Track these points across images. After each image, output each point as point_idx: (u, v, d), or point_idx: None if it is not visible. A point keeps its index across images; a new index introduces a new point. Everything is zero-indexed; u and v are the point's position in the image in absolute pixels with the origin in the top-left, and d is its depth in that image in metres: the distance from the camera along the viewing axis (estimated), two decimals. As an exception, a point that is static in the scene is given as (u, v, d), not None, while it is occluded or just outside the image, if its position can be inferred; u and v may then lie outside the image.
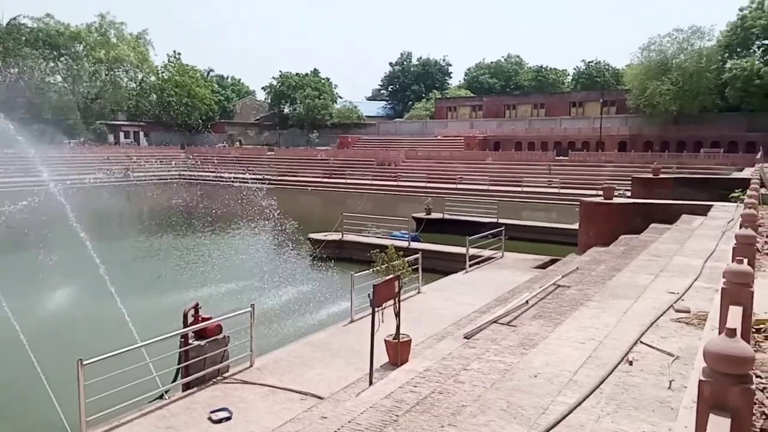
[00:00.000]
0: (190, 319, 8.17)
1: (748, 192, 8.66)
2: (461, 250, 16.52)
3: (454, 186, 43.75)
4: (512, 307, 9.27)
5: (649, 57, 56.14)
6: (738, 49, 54.79)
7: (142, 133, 77.15)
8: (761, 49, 55.11)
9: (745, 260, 3.34)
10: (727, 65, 52.16)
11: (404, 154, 56.37)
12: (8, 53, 63.44)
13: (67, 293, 15.42)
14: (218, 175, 55.17)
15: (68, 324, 13.00)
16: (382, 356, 8.41)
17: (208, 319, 8.27)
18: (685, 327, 5.39)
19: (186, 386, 7.94)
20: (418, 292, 13.32)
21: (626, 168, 40.95)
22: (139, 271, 19.72)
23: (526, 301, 9.39)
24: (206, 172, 58.10)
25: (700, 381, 1.63)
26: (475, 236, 17.08)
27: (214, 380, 8.10)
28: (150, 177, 56.29)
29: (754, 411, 3.45)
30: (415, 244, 19.06)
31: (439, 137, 66.62)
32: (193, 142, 76.99)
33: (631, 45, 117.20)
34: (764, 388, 3.83)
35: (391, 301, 8.32)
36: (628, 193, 21.23)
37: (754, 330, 4.98)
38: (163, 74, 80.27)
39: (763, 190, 16.02)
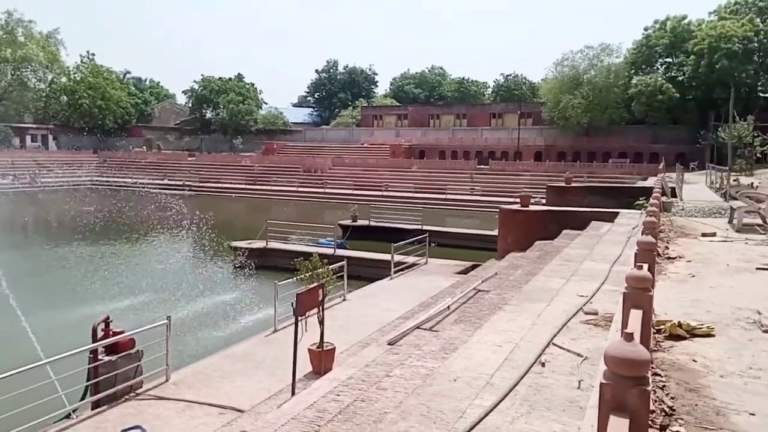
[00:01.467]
0: (100, 334, 7.72)
1: (650, 201, 9.28)
2: (386, 256, 16.65)
3: (380, 193, 44.08)
4: (435, 312, 9.42)
5: (562, 72, 59.21)
6: (643, 66, 58.90)
7: (51, 137, 72.54)
8: (664, 67, 59.56)
9: (645, 266, 3.56)
10: (633, 81, 55.88)
11: (331, 161, 56.24)
12: None
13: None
14: (135, 181, 52.79)
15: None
16: (306, 365, 8.30)
17: (120, 333, 7.85)
18: (593, 328, 5.68)
19: (96, 404, 7.50)
20: (344, 300, 13.28)
21: (542, 177, 42.81)
22: (45, 283, 18.45)
23: (448, 307, 9.58)
24: (121, 178, 55.43)
25: (601, 384, 1.71)
26: (400, 243, 17.26)
27: (127, 397, 7.70)
28: (60, 183, 53.00)
29: (654, 408, 3.68)
30: (340, 252, 19.00)
31: (365, 145, 67.02)
32: (108, 146, 73.23)
33: (547, 60, 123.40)
34: (664, 385, 4.10)
35: (315, 310, 8.24)
36: (544, 201, 22.20)
37: (654, 330, 5.33)
38: (76, 75, 75.93)
39: (664, 198, 17.25)
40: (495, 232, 19.17)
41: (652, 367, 4.49)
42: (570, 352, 5.01)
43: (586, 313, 6.28)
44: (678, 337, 5.38)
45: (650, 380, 3.76)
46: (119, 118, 77.46)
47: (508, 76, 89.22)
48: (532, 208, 17.54)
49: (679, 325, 5.50)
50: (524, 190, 28.95)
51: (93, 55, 79.38)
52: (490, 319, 6.58)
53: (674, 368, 4.58)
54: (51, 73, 73.50)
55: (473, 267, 16.70)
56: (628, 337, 1.77)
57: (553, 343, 5.33)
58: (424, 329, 8.63)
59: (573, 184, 22.81)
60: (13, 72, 69.20)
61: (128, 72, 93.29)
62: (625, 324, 2.76)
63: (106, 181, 55.32)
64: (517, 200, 18.40)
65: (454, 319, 8.07)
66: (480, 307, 7.70)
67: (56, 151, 69.14)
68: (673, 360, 4.79)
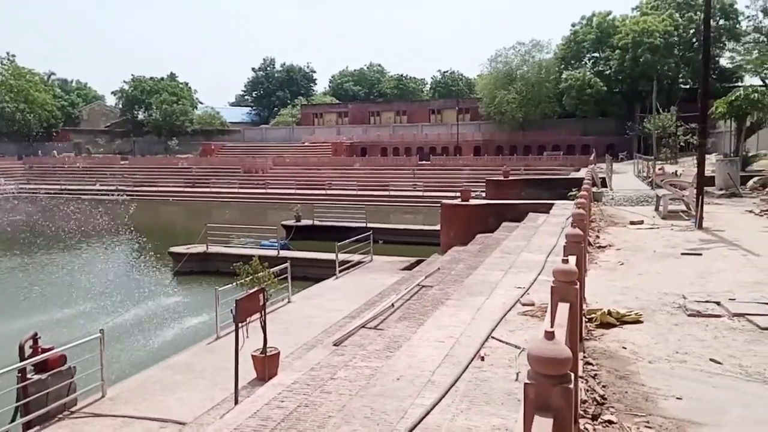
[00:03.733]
0: (28, 351, 7.32)
1: (580, 192, 9.64)
2: (331, 256, 16.59)
3: (323, 192, 43.83)
4: (379, 310, 9.45)
5: (496, 68, 60.67)
6: (572, 61, 61.16)
7: (-31, 144, 68.07)
8: (591, 61, 62.02)
9: (573, 259, 3.69)
10: (563, 76, 57.92)
11: (272, 161, 55.42)
12: None
13: None
14: (64, 187, 50.33)
15: None
16: (251, 372, 8.16)
17: (49, 349, 7.46)
18: (530, 320, 5.86)
19: (27, 425, 7.11)
20: (288, 302, 13.13)
21: (481, 171, 43.74)
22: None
23: (392, 304, 9.64)
24: (49, 184, 52.70)
25: (525, 384, 1.75)
26: (345, 241, 17.24)
27: (60, 416, 7.33)
28: (-19, 192, 49.83)
29: (587, 398, 3.84)
30: (284, 253, 18.78)
31: (306, 144, 66.44)
32: (33, 152, 69.39)
33: (481, 56, 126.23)
34: (595, 374, 4.27)
35: (257, 315, 8.11)
36: (484, 195, 22.69)
37: (586, 319, 5.55)
38: (-6, 78, 71.52)
39: (594, 189, 17.97)
40: (438, 227, 19.44)
41: (584, 357, 4.68)
42: (508, 345, 5.14)
43: (524, 305, 6.47)
44: (609, 325, 5.63)
45: (579, 372, 3.91)
46: (45, 121, 73.56)
47: (445, 72, 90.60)
48: (472, 202, 17.89)
49: (609, 313, 5.76)
50: (465, 184, 29.54)
51: (13, 56, 75.16)
52: (432, 314, 6.66)
53: (605, 356, 4.79)
54: (-33, 77, 69.05)
55: (417, 262, 16.86)
56: (549, 335, 1.81)
57: (492, 337, 5.45)
58: (369, 328, 8.64)
59: (511, 178, 23.42)
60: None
61: (53, 73, 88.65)
62: (553, 318, 2.84)
63: (34, 189, 52.44)
64: (458, 195, 18.71)
65: (398, 317, 8.12)
66: (423, 303, 7.79)
67: (-23, 158, 64.99)
68: (604, 348, 5.00)
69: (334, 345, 8.20)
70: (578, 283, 3.30)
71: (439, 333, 5.79)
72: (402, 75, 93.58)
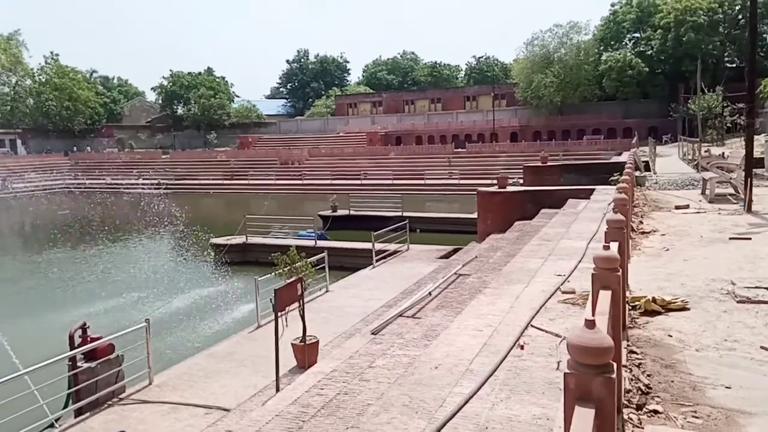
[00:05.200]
0: (78, 340, 7.60)
1: (622, 177, 9.39)
2: (367, 245, 16.63)
3: (358, 182, 43.97)
4: (417, 299, 9.45)
5: (533, 51, 59.47)
6: (612, 42, 59.44)
7: (19, 141, 70.85)
8: (632, 42, 60.13)
9: (615, 245, 3.59)
10: (603, 57, 56.39)
11: (307, 152, 55.87)
12: None
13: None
14: (108, 182, 51.93)
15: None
16: (291, 360, 8.28)
17: (98, 338, 7.73)
18: (570, 308, 5.75)
19: (78, 412, 7.39)
20: (326, 291, 13.25)
21: (518, 157, 43.08)
22: (20, 291, 18.10)
23: (429, 293, 9.62)
24: (95, 179, 54.51)
25: (565, 374, 1.71)
26: (381, 231, 17.26)
27: (110, 403, 7.60)
28: (32, 188, 51.90)
29: (631, 387, 3.74)
30: (321, 243, 18.93)
31: (341, 134, 66.72)
32: (79, 148, 71.80)
33: (517, 40, 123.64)
34: (640, 363, 4.16)
35: (296, 304, 8.21)
36: (521, 181, 22.36)
37: (630, 307, 5.41)
38: (40, 77, 74.11)
39: (637, 173, 17.49)
40: (474, 215, 19.26)
41: (628, 345, 4.56)
42: (548, 333, 5.06)
43: (564, 293, 6.35)
44: (653, 313, 5.47)
45: (622, 361, 3.82)
46: (88, 118, 75.98)
47: (479, 58, 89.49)
48: (509, 189, 17.64)
49: (654, 300, 5.60)
50: (501, 171, 29.14)
51: (57, 55, 77.67)
52: (470, 303, 6.61)
53: (650, 345, 4.66)
54: (15, 76, 71.80)
55: (454, 251, 16.77)
56: (590, 324, 1.77)
57: (532, 325, 5.38)
58: (407, 317, 8.65)
59: (549, 163, 22.97)
60: (-26, 76, 67.45)
61: (95, 71, 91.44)
62: (594, 306, 2.77)
63: (80, 184, 54.34)
64: (495, 182, 18.48)
65: (435, 305, 8.10)
66: (461, 291, 7.74)
67: (26, 155, 67.64)
68: (648, 336, 4.87)
69: (372, 333, 8.25)
70: (620, 269, 3.21)
71: (478, 321, 5.74)
72: (436, 62, 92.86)
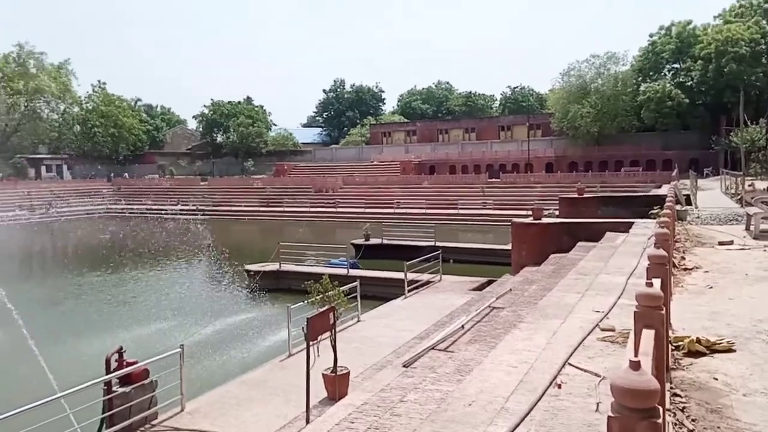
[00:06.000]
0: (114, 365, 7.71)
1: (663, 211, 9.15)
2: (400, 275, 16.56)
3: (392, 211, 44.06)
4: (449, 331, 9.30)
5: (569, 82, 59.20)
6: (650, 73, 58.75)
7: (65, 167, 73.70)
8: (671, 73, 59.33)
9: (657, 282, 3.48)
10: (641, 88, 55.70)
11: (341, 180, 56.42)
12: None
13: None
14: (149, 207, 53.30)
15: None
16: (322, 391, 8.23)
17: (133, 363, 7.83)
18: (610, 346, 5.56)
19: (111, 437, 7.45)
20: (358, 321, 13.20)
21: (554, 188, 42.59)
22: (59, 313, 18.59)
23: (462, 326, 9.45)
24: (136, 204, 56.02)
25: (609, 417, 1.65)
26: (414, 260, 17.17)
27: (142, 429, 7.66)
28: (75, 212, 53.69)
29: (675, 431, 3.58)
30: (354, 271, 18.95)
31: (375, 162, 67.24)
32: (121, 173, 74.18)
33: (553, 70, 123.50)
34: (684, 407, 3.98)
35: (328, 333, 8.18)
36: (556, 213, 22.03)
37: (673, 347, 5.21)
38: (88, 105, 77.32)
39: (678, 207, 17.06)
40: (509, 247, 19.01)
41: (672, 388, 4.37)
42: (587, 372, 4.90)
43: (603, 330, 6.15)
44: (697, 354, 5.26)
45: (666, 405, 3.65)
46: (132, 145, 78.61)
47: (515, 88, 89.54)
48: (544, 220, 17.38)
49: (698, 341, 5.38)
50: (536, 202, 28.82)
51: (104, 84, 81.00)
52: (504, 338, 6.47)
53: (694, 387, 4.46)
54: (63, 104, 74.99)
55: (488, 283, 16.54)
56: (635, 365, 1.71)
57: (569, 363, 5.21)
58: (439, 350, 8.51)
59: (586, 195, 22.60)
60: (26, 103, 70.74)
61: (139, 99, 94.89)
62: (637, 346, 2.68)
63: (121, 209, 55.93)
64: (530, 213, 18.26)
65: (468, 339, 7.96)
66: (495, 325, 7.60)
67: (71, 180, 70.15)
68: (693, 379, 4.67)
69: (404, 366, 8.13)
70: (664, 308, 3.11)
71: (513, 357, 5.60)
72: (470, 92, 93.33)
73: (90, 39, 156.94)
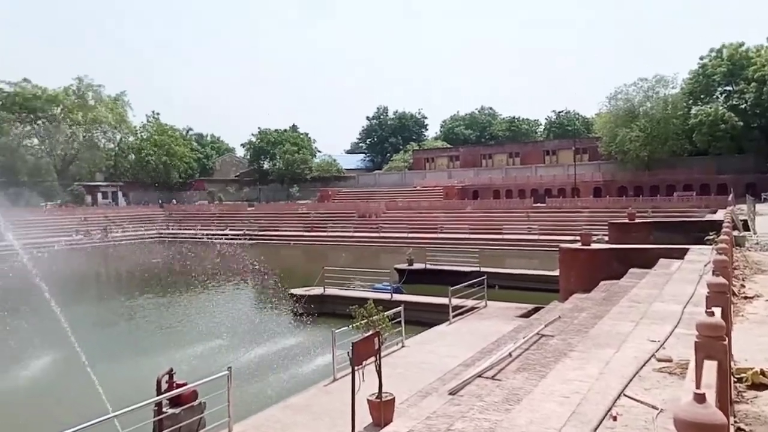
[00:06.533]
0: (164, 386, 7.87)
1: (720, 237, 8.79)
2: (444, 300, 16.39)
3: (435, 236, 43.88)
4: (496, 359, 9.12)
5: (616, 105, 58.14)
6: (702, 96, 57.10)
7: (120, 193, 76.73)
8: (723, 95, 57.51)
9: (718, 310, 3.34)
10: (693, 111, 54.14)
11: (384, 205, 56.69)
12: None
13: (36, 362, 14.84)
14: (198, 232, 54.71)
15: (36, 394, 12.46)
16: (366, 417, 8.16)
17: (182, 384, 7.98)
18: (667, 377, 5.33)
19: (161, 458, 7.57)
20: (402, 346, 13.10)
21: (602, 213, 41.56)
22: (112, 335, 19.19)
23: (510, 353, 9.26)
24: (186, 229, 57.65)
25: (674, 452, 1.57)
26: (458, 286, 16.98)
27: (190, 450, 7.75)
28: (129, 237, 55.65)
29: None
30: (397, 296, 18.89)
31: (418, 188, 67.36)
32: (173, 200, 76.69)
33: (599, 94, 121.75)
34: (749, 441, 3.76)
35: (372, 358, 8.14)
36: (606, 238, 21.45)
37: (735, 379, 4.95)
38: (142, 134, 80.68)
39: (735, 232, 16.35)
40: (556, 273, 18.60)
41: (735, 422, 4.14)
42: (644, 404, 4.69)
43: (659, 360, 5.91)
44: (762, 386, 4.97)
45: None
46: (183, 172, 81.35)
47: (560, 112, 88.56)
48: (594, 246, 16.96)
49: (762, 372, 5.10)
50: (584, 227, 28.17)
51: (158, 114, 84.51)
52: (555, 366, 6.29)
53: (759, 422, 4.22)
54: (119, 133, 78.51)
55: (535, 310, 16.20)
56: (700, 398, 1.63)
57: (625, 394, 5.02)
58: (486, 378, 8.35)
59: (637, 220, 21.93)
60: (84, 133, 74.37)
61: (191, 129, 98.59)
62: (698, 377, 2.56)
63: (172, 234, 57.64)
64: (578, 238, 17.85)
65: (516, 367, 7.78)
66: (544, 353, 7.40)
67: (126, 206, 72.90)
68: (757, 412, 4.41)
69: (450, 394, 8.00)
70: (726, 338, 2.96)
71: (564, 387, 5.43)
72: (514, 117, 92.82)
73: (144, 72, 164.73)
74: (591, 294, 12.95)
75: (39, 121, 70.94)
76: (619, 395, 4.95)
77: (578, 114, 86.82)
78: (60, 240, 46.92)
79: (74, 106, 72.49)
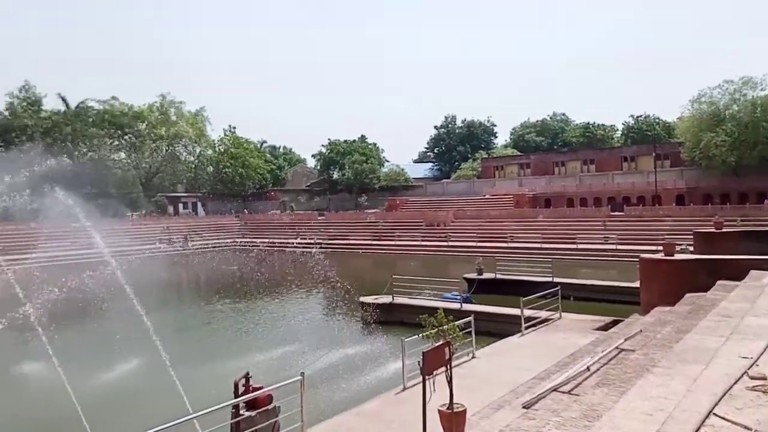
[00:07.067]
0: (241, 389, 8.10)
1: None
2: (516, 311, 16.02)
3: (505, 245, 43.08)
4: (573, 373, 8.79)
5: (700, 109, 55.03)
6: (795, 98, 53.05)
7: (199, 204, 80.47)
8: (819, 99, 53.16)
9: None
10: (785, 114, 50.40)
11: (453, 214, 56.28)
12: (77, 134, 68.38)
13: (124, 363, 15.74)
14: (271, 241, 56.40)
15: (124, 394, 13.21)
16: (437, 428, 8.06)
17: (258, 388, 8.18)
18: (761, 396, 4.95)
19: (237, 459, 7.78)
20: (473, 357, 12.90)
21: (686, 222, 39.43)
22: (192, 338, 20.05)
23: (588, 367, 8.90)
24: (259, 238, 59.54)
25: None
26: (530, 296, 16.56)
27: (266, 453, 7.92)
28: (207, 245, 58.12)
29: None
30: (467, 306, 18.67)
31: (487, 196, 66.44)
32: (248, 209, 79.55)
33: (680, 97, 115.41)
34: None
35: (443, 368, 8.04)
36: (691, 249, 20.29)
37: None
38: (219, 147, 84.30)
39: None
40: (636, 284, 17.76)
41: None
42: (735, 424, 4.38)
43: (752, 378, 5.50)
44: None
45: None
46: (257, 183, 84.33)
47: (638, 117, 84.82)
48: (677, 256, 16.06)
49: None
50: (666, 236, 26.82)
51: (234, 128, 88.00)
52: (637, 382, 5.99)
53: None
54: (199, 147, 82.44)
55: (614, 323, 15.56)
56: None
57: (714, 413, 4.70)
58: (562, 392, 8.06)
59: (724, 230, 20.60)
60: (167, 147, 78.66)
61: (264, 141, 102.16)
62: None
63: (247, 242, 59.73)
64: (659, 248, 16.99)
65: (595, 382, 7.46)
66: (624, 368, 7.07)
67: (204, 216, 76.35)
68: None
69: (524, 407, 7.78)
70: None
71: (647, 404, 5.15)
72: (589, 123, 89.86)
73: (222, 89, 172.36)
74: (675, 307, 12.26)
75: (126, 137, 75.70)
76: (708, 414, 4.64)
77: (658, 118, 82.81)
78: (144, 248, 49.76)
79: (158, 121, 76.87)
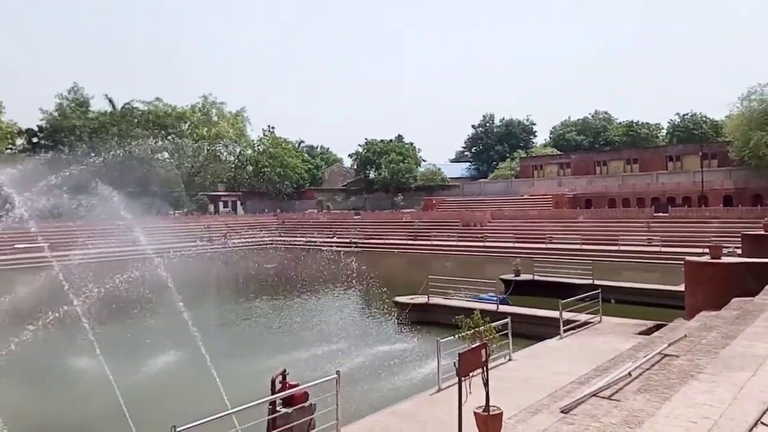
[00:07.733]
0: (278, 386, 8.20)
1: None
2: (554, 313, 15.73)
3: (543, 246, 42.42)
4: (613, 378, 8.57)
5: (750, 107, 52.97)
6: None
7: (239, 202, 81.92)
8: None
9: None
10: (843, 111, 48.06)
11: (490, 214, 55.70)
12: (122, 134, 70.52)
13: (164, 357, 16.15)
14: (308, 239, 56.94)
15: (164, 388, 13.55)
16: (472, 429, 7.99)
17: (295, 385, 8.27)
18: (817, 407, 4.71)
19: (273, 454, 7.87)
20: (509, 360, 12.73)
21: (734, 224, 38.03)
22: (231, 334, 20.43)
23: (629, 373, 8.66)
24: (297, 237, 60.23)
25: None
26: (569, 299, 16.24)
27: (301, 450, 8.00)
28: (246, 243, 59.09)
29: None
30: (503, 308, 18.45)
31: (525, 196, 65.51)
32: (285, 208, 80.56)
33: (728, 95, 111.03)
34: None
35: (479, 370, 7.96)
36: (738, 251, 19.56)
37: None
38: (259, 147, 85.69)
39: None
40: (680, 288, 17.23)
41: None
42: (789, 437, 4.19)
43: (806, 388, 5.25)
44: None
45: None
46: (295, 182, 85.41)
47: (684, 115, 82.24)
48: (724, 259, 15.50)
49: None
50: (713, 239, 25.93)
51: (273, 128, 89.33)
52: (680, 389, 5.81)
53: None
54: (239, 147, 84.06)
55: (656, 327, 15.13)
56: None
57: (762, 422, 4.51)
58: (602, 397, 7.86)
59: (774, 232, 19.78)
60: (208, 147, 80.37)
61: (302, 141, 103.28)
62: None
63: (284, 241, 60.49)
64: (706, 251, 16.44)
65: (636, 388, 7.26)
66: (668, 374, 6.86)
67: (244, 215, 77.67)
68: None
69: (562, 412, 7.64)
70: None
71: (691, 411, 4.99)
72: (632, 121, 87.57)
73: (261, 89, 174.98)
74: (721, 312, 11.83)
75: (169, 137, 77.67)
76: (756, 423, 4.46)
77: (705, 117, 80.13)
78: (186, 246, 50.94)
79: (200, 122, 78.77)
